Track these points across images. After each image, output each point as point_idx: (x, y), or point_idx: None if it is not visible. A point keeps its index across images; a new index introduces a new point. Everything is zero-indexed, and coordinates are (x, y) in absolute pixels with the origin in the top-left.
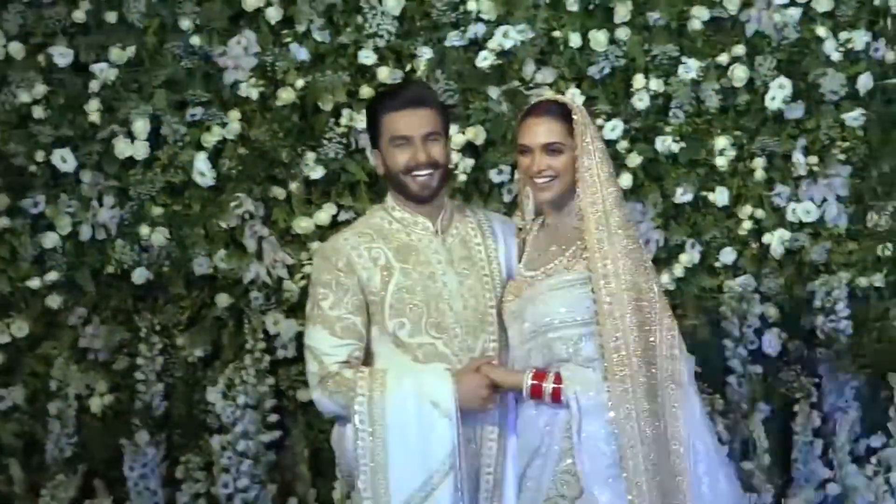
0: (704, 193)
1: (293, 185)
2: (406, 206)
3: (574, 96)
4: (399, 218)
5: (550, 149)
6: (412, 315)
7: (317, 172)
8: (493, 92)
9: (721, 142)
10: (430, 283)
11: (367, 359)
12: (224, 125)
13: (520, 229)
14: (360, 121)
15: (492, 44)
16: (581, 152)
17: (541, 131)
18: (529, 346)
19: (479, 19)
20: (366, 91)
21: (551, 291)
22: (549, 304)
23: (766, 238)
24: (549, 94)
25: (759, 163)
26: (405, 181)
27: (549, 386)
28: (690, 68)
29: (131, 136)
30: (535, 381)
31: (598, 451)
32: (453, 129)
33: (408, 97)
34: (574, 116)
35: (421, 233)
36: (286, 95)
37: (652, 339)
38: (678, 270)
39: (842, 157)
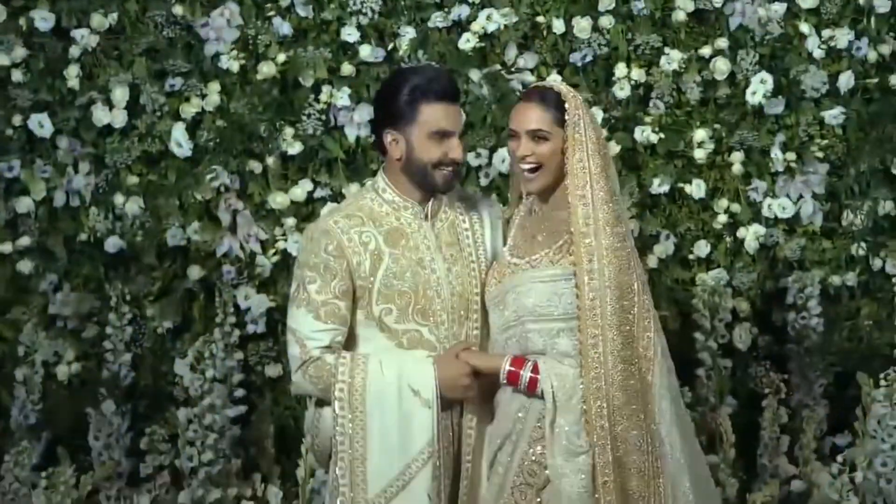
0: (681, 185)
1: (270, 160)
2: (401, 190)
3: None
4: (389, 200)
5: (536, 135)
6: (400, 301)
7: (294, 148)
8: (475, 75)
9: (700, 134)
10: (419, 270)
11: (350, 342)
12: (203, 97)
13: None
14: (340, 98)
15: (475, 26)
16: (573, 143)
17: (529, 117)
18: (508, 335)
19: (463, 1)
20: (347, 68)
21: (534, 283)
22: (531, 296)
23: (740, 232)
24: (533, 78)
25: (737, 157)
26: (433, 174)
27: (526, 374)
28: (672, 59)
29: (110, 103)
30: (512, 368)
31: (569, 445)
32: None
33: (447, 90)
34: (566, 106)
35: (410, 217)
36: (267, 69)
37: (631, 339)
38: (652, 261)
39: (820, 154)
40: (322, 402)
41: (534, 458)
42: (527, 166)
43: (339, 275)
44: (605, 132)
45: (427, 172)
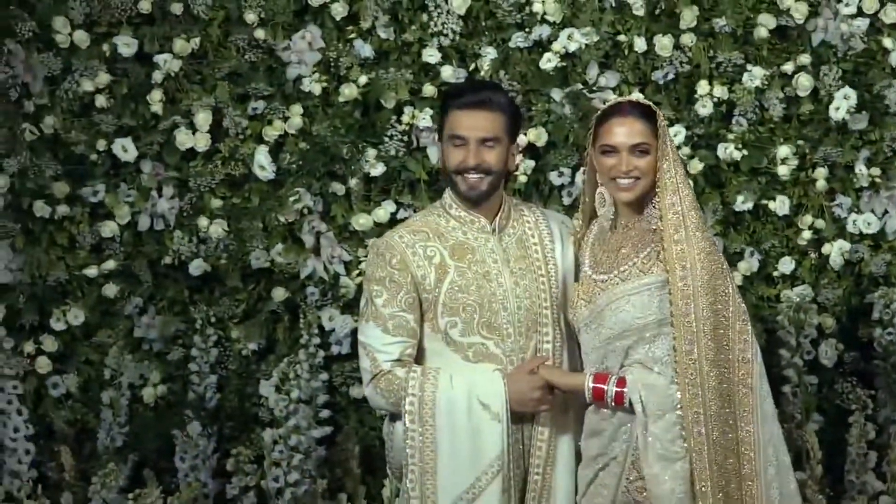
0: (765, 202)
1: (353, 182)
2: (463, 204)
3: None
4: (456, 216)
5: (639, 150)
6: (465, 314)
7: (377, 169)
8: (556, 94)
9: (783, 151)
10: (485, 283)
11: (418, 355)
12: (286, 119)
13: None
14: (422, 119)
15: (556, 46)
16: (662, 155)
17: (629, 132)
18: (607, 350)
19: (544, 21)
20: (429, 89)
21: (629, 297)
22: (629, 310)
23: (825, 248)
24: (615, 96)
25: (821, 173)
26: (455, 180)
27: (611, 389)
28: (755, 76)
29: (193, 127)
30: (597, 385)
31: (665, 452)
32: None
33: (475, 98)
34: (658, 119)
35: (477, 232)
36: (349, 91)
37: (726, 342)
38: (737, 279)
39: None
40: (395, 417)
41: (639, 475)
42: (627, 181)
43: (404, 287)
44: (688, 150)
45: (452, 180)
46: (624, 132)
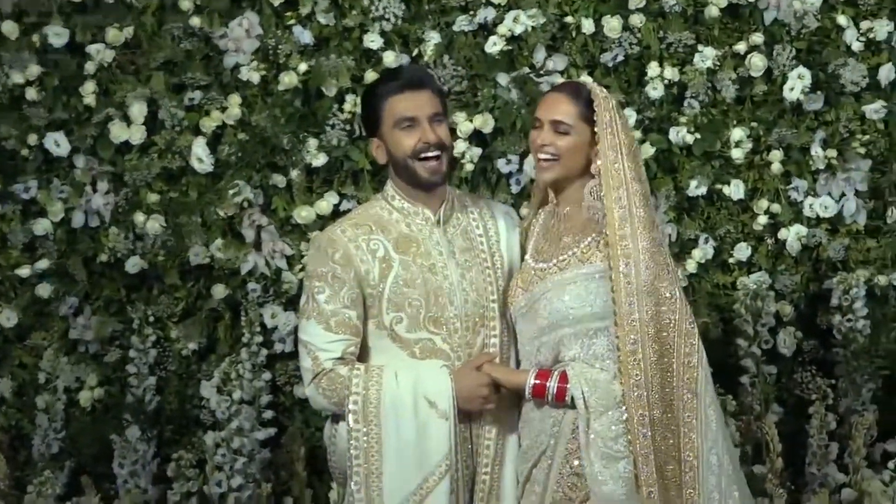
0: (719, 186)
1: (294, 173)
2: (407, 195)
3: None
4: (399, 208)
5: (559, 128)
6: (410, 310)
7: (319, 160)
8: (503, 79)
9: (737, 133)
10: (431, 276)
11: (363, 353)
12: (224, 110)
13: (521, 219)
14: None
15: (501, 29)
16: (605, 146)
17: (555, 108)
18: (541, 342)
19: (488, 3)
20: (371, 76)
21: (566, 286)
22: (564, 299)
23: (781, 233)
24: (563, 80)
25: (776, 155)
26: (414, 167)
27: (553, 385)
28: (706, 57)
29: (127, 119)
30: (538, 381)
31: (606, 450)
32: (461, 116)
33: (408, 79)
34: (595, 104)
35: (421, 223)
36: (288, 80)
37: (669, 345)
38: (691, 266)
39: (861, 150)
40: (337, 418)
41: (572, 470)
42: (543, 156)
43: (347, 283)
44: (639, 134)
45: (409, 168)
46: (549, 107)
